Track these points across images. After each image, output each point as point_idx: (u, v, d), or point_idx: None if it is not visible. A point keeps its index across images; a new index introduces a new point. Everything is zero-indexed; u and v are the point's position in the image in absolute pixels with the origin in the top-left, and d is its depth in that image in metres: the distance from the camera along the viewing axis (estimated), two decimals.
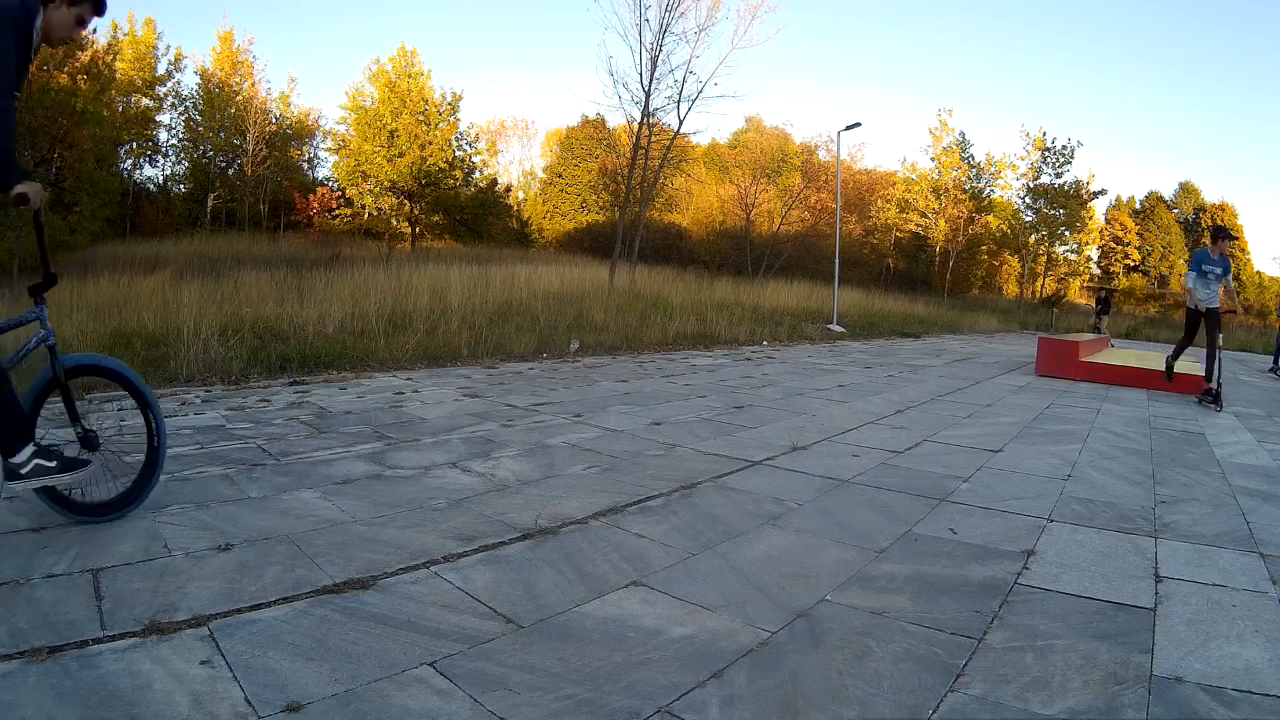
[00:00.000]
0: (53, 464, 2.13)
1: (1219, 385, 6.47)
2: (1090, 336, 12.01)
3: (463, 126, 29.34)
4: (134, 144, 26.70)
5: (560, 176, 36.10)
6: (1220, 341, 6.69)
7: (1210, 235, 7.02)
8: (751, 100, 66.76)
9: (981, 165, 33.04)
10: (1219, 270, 6.72)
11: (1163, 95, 61.92)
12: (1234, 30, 58.93)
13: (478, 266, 13.19)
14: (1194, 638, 1.84)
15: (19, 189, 2.00)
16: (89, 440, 2.35)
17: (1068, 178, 31.49)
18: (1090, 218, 34.89)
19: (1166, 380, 7.42)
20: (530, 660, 1.58)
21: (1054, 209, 31.59)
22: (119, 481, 2.38)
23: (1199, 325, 6.90)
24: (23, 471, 2.09)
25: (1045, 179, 31.77)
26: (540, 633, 1.71)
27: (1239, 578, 2.26)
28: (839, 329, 13.88)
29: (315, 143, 31.62)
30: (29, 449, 2.11)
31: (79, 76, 18.97)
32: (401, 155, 27.03)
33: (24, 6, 2.09)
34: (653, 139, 17.21)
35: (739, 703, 1.46)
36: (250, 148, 27.68)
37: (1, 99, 1.97)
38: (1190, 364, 10.22)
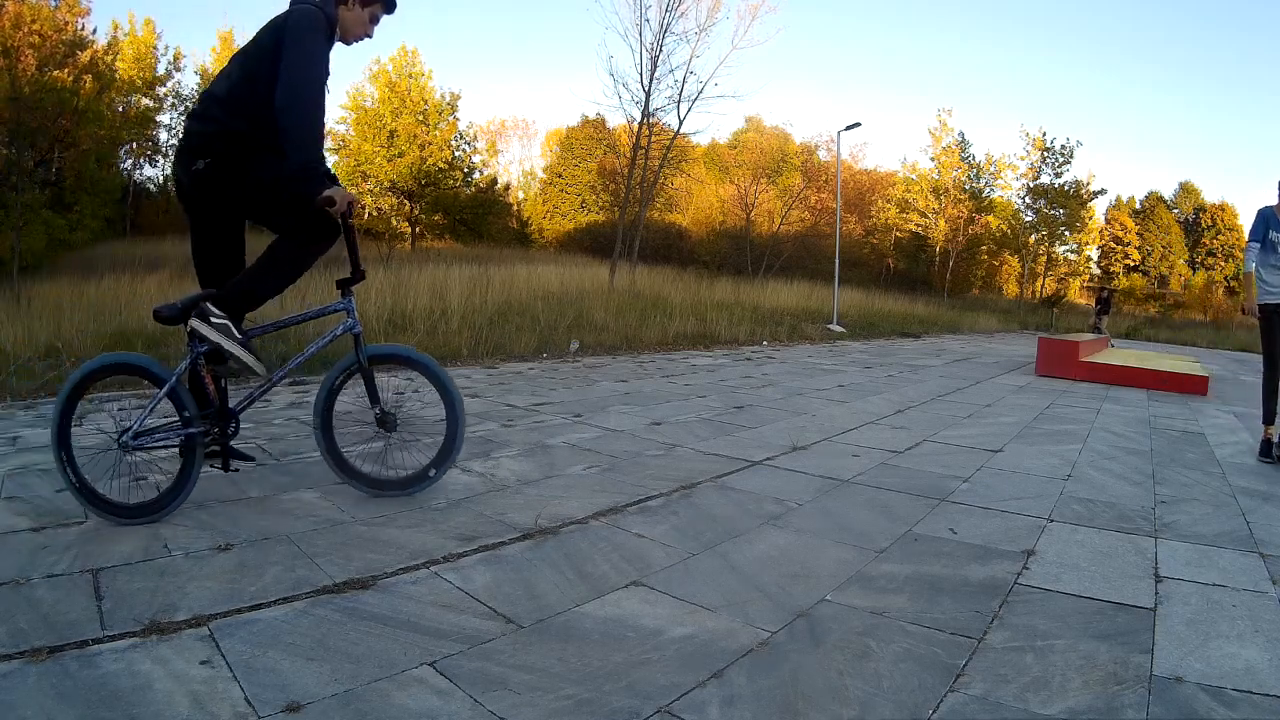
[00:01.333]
0: (240, 340, 2.31)
1: None
2: (1090, 336, 12.01)
3: (462, 126, 29.33)
4: (134, 144, 26.69)
5: (560, 176, 36.10)
6: None
7: None
8: (751, 100, 66.82)
9: (981, 165, 33.03)
10: None
11: (1163, 95, 62.00)
12: (1234, 30, 58.95)
13: (478, 266, 13.19)
14: (1194, 638, 1.84)
15: (327, 193, 2.22)
16: (386, 421, 2.63)
17: (1067, 178, 31.50)
18: (1090, 218, 34.90)
19: (1267, 456, 4.14)
20: (530, 660, 1.58)
21: (1054, 209, 31.59)
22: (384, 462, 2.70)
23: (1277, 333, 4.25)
24: (212, 321, 2.26)
25: (1045, 179, 31.77)
26: (540, 633, 1.71)
27: (1239, 578, 2.26)
28: (839, 329, 13.88)
29: None
30: (230, 323, 2.29)
31: (83, 76, 18.96)
32: (401, 155, 27.03)
33: (326, 12, 2.29)
34: (653, 139, 17.22)
35: (739, 703, 1.46)
36: None
37: (318, 98, 2.22)
38: (1189, 363, 10.22)
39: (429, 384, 2.63)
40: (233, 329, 2.30)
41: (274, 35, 2.23)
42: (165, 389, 2.24)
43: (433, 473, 2.66)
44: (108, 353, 2.68)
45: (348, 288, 2.50)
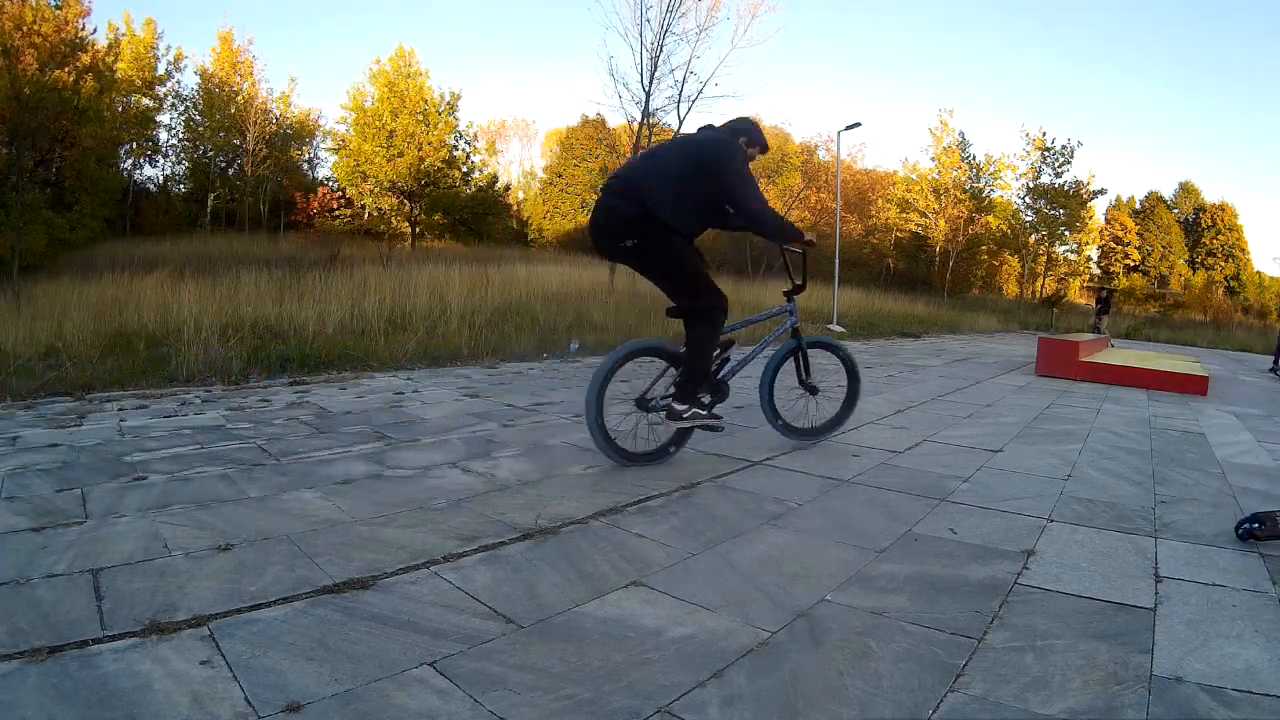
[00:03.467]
0: (704, 414, 3.13)
1: None
2: (1090, 336, 12.01)
3: (461, 125, 29.30)
4: (134, 144, 26.69)
5: (560, 176, 36.11)
6: None
7: None
8: (751, 100, 66.58)
9: (981, 165, 33.03)
10: None
11: (1163, 95, 61.98)
12: (1235, 30, 58.94)
13: (478, 266, 13.18)
14: (1194, 638, 1.84)
15: (808, 239, 3.28)
16: (812, 388, 3.62)
17: (1067, 178, 31.50)
18: (1090, 218, 34.90)
19: None
20: (530, 660, 1.58)
21: (1054, 209, 31.60)
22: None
23: None
24: (684, 416, 3.06)
25: (1045, 179, 31.78)
26: (540, 633, 1.71)
27: (1239, 578, 2.26)
28: (839, 329, 13.88)
29: (315, 143, 31.61)
30: (693, 409, 3.08)
31: (83, 76, 18.96)
32: (401, 155, 27.03)
33: (738, 144, 3.05)
34: (653, 139, 17.21)
35: (739, 703, 1.46)
36: (250, 148, 27.68)
37: (765, 203, 3.04)
38: (1189, 363, 10.21)
39: (840, 364, 3.76)
40: (698, 414, 3.09)
41: (703, 157, 2.92)
42: (672, 363, 3.11)
43: (838, 427, 3.73)
44: (633, 340, 3.37)
45: (791, 296, 3.43)
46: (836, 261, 15.91)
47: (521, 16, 67.07)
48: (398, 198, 28.16)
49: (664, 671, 1.56)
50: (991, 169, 32.93)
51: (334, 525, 2.32)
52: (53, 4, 19.30)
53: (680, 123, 16.54)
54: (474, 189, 30.37)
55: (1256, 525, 2.53)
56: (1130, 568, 2.31)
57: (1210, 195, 45.02)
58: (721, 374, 3.26)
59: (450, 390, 4.98)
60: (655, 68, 15.35)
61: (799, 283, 3.41)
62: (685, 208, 2.88)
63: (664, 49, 15.26)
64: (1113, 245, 42.50)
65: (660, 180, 2.87)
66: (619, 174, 3.03)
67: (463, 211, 29.70)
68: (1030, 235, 32.70)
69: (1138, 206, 44.53)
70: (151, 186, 28.97)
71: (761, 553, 2.28)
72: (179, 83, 27.53)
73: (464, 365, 6.29)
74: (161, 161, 28.90)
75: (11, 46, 16.94)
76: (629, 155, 18.11)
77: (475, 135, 31.00)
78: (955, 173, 32.24)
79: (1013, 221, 33.09)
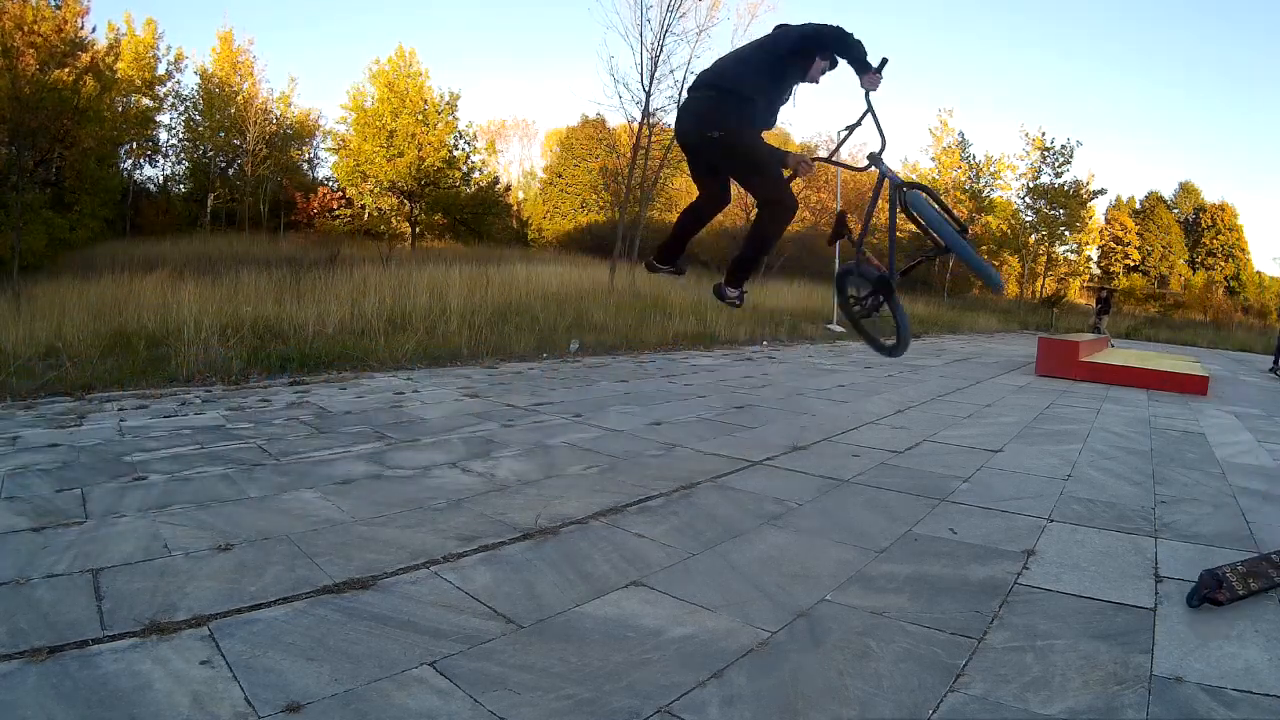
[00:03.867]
0: (738, 301, 3.41)
1: None
2: (1090, 336, 12.01)
3: (460, 125, 29.29)
4: (134, 144, 26.67)
5: (560, 177, 36.07)
6: None
7: None
8: None
9: (981, 165, 33.03)
10: None
11: (1163, 95, 61.90)
12: (1235, 30, 58.91)
13: (478, 266, 13.18)
14: (1194, 638, 1.84)
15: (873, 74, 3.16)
16: (963, 227, 3.51)
17: (1067, 178, 31.49)
18: (1090, 218, 34.90)
19: None
20: (530, 660, 1.58)
21: (1054, 209, 31.60)
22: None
23: None
24: (727, 297, 3.37)
25: (1045, 179, 31.78)
26: (540, 633, 1.71)
27: None
28: (839, 329, 13.87)
29: (315, 143, 31.58)
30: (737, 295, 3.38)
31: (84, 76, 18.95)
32: (401, 155, 27.03)
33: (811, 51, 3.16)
34: (653, 139, 17.21)
35: (739, 703, 1.46)
36: (250, 148, 27.65)
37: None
38: (1189, 363, 10.21)
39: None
40: (734, 302, 3.39)
41: (772, 38, 3.12)
42: (836, 275, 3.68)
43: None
44: (846, 262, 3.73)
45: (878, 157, 3.42)
46: (836, 261, 15.88)
47: (521, 16, 67.00)
48: (398, 198, 28.14)
49: (664, 671, 1.56)
50: (991, 169, 32.94)
51: (334, 525, 2.32)
52: (53, 4, 19.29)
53: None
54: (474, 189, 30.33)
55: (1218, 587, 2.01)
56: (1130, 568, 2.31)
57: (1210, 195, 44.93)
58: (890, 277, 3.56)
59: (450, 390, 4.98)
60: (655, 68, 15.37)
61: (883, 141, 3.50)
62: (749, 70, 3.08)
63: (664, 49, 15.28)
64: (1113, 245, 42.44)
65: (734, 59, 3.19)
66: (701, 71, 3.31)
67: (463, 211, 29.66)
68: (1030, 235, 32.69)
69: (1138, 206, 44.45)
70: (151, 186, 28.94)
71: (761, 553, 2.28)
72: (179, 83, 27.47)
73: (464, 365, 6.29)
74: (161, 161, 28.86)
75: (11, 46, 16.92)
76: (629, 155, 18.12)
77: (475, 135, 30.98)
78: (955, 173, 32.24)
79: (1013, 221, 33.07)
